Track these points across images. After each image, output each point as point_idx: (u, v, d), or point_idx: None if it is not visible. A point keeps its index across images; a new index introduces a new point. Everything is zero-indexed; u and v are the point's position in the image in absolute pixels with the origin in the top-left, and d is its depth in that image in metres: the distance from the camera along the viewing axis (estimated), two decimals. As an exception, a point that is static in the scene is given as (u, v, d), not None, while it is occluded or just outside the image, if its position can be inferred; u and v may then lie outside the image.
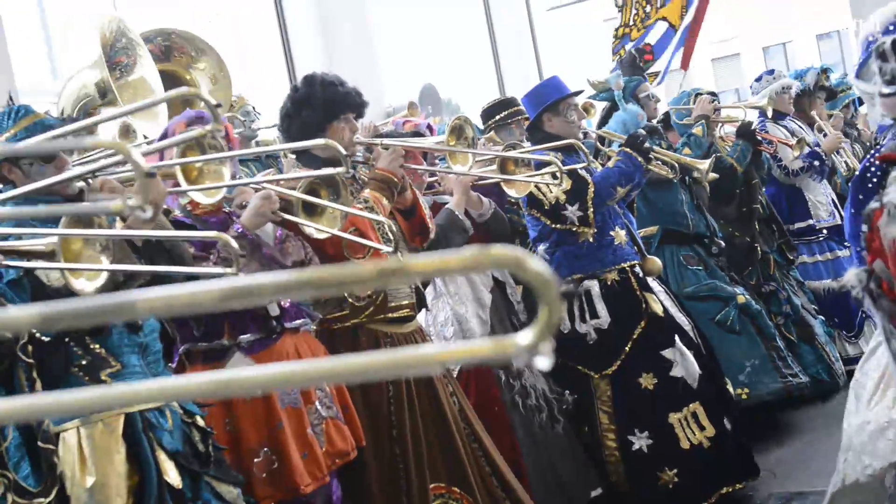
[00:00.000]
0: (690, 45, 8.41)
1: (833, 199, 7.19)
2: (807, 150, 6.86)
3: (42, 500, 2.75)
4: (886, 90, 2.47)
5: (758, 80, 7.38)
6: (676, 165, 5.55)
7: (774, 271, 6.60)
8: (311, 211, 3.64)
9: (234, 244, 2.75)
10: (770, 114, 6.93)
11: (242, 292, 0.85)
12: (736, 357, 5.83)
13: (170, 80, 4.84)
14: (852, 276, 2.44)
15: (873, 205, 2.40)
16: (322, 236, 3.65)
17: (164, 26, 5.06)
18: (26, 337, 2.72)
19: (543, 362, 0.82)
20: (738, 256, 6.43)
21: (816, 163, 6.90)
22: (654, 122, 6.30)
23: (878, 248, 2.36)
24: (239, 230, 3.51)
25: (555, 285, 0.80)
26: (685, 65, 8.42)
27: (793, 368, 6.01)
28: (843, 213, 6.95)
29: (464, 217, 4.65)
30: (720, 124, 6.62)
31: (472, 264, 0.81)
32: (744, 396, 5.77)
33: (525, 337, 0.82)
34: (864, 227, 2.45)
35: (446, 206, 4.65)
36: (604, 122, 6.15)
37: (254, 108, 6.03)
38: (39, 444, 2.75)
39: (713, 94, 6.80)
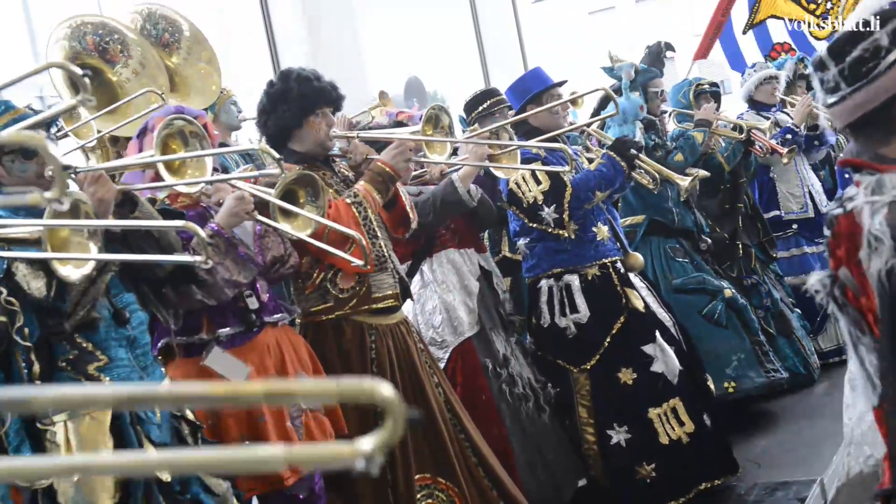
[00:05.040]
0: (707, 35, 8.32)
1: (809, 192, 7.20)
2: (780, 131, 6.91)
3: (43, 482, 2.75)
4: (831, 99, 2.46)
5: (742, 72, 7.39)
6: (658, 177, 5.52)
7: (755, 265, 6.63)
8: (287, 211, 3.63)
9: (202, 233, 2.75)
10: (771, 131, 6.93)
11: (137, 398, 0.91)
12: (723, 351, 5.86)
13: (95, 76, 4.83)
14: (816, 281, 2.43)
15: (836, 211, 2.38)
16: (297, 236, 3.63)
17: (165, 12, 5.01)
18: (22, 320, 2.70)
19: (373, 468, 0.93)
20: (718, 250, 6.45)
21: (788, 136, 6.92)
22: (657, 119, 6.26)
23: (841, 256, 2.34)
24: (214, 229, 3.53)
25: (403, 410, 0.90)
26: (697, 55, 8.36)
27: (774, 364, 6.05)
28: (819, 206, 7.01)
29: (464, 190, 4.61)
30: (718, 136, 6.56)
31: (330, 395, 0.93)
32: (730, 390, 5.81)
33: (367, 444, 0.91)
34: (827, 232, 2.43)
35: (449, 176, 4.63)
36: (599, 110, 6.15)
37: (236, 102, 6.00)
38: (38, 425, 2.74)
39: (715, 84, 6.81)
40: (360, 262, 3.70)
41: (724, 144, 6.49)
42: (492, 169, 4.73)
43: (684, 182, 5.53)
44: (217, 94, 5.17)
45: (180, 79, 4.76)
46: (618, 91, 5.88)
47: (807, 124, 7.09)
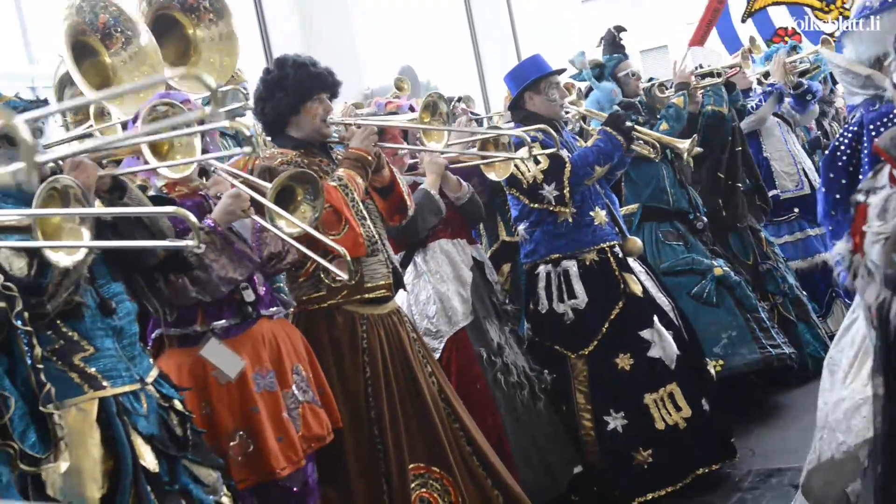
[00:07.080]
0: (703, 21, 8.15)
1: (804, 170, 7.18)
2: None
3: (51, 464, 2.72)
4: None
5: None
6: (658, 145, 5.54)
7: (767, 248, 6.60)
8: (282, 206, 3.59)
9: (193, 218, 2.72)
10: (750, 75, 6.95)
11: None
12: (712, 329, 5.79)
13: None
14: (839, 251, 2.40)
15: (859, 197, 2.33)
16: (290, 232, 3.56)
17: None
18: (21, 305, 2.67)
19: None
20: (746, 241, 6.43)
21: (769, 88, 6.93)
22: (636, 100, 6.24)
23: (858, 244, 2.31)
24: (210, 225, 3.51)
25: None
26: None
27: (775, 340, 5.92)
28: (813, 184, 7.00)
29: (438, 198, 4.65)
30: (701, 90, 6.39)
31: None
32: (717, 368, 5.69)
33: None
34: (852, 211, 2.39)
35: (421, 186, 4.65)
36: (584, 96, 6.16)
37: (245, 88, 5.95)
38: (41, 408, 2.71)
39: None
40: (344, 276, 3.66)
41: (703, 99, 6.31)
42: (485, 172, 4.78)
43: (684, 144, 5.55)
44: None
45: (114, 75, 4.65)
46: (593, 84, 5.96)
47: (790, 84, 7.10)
